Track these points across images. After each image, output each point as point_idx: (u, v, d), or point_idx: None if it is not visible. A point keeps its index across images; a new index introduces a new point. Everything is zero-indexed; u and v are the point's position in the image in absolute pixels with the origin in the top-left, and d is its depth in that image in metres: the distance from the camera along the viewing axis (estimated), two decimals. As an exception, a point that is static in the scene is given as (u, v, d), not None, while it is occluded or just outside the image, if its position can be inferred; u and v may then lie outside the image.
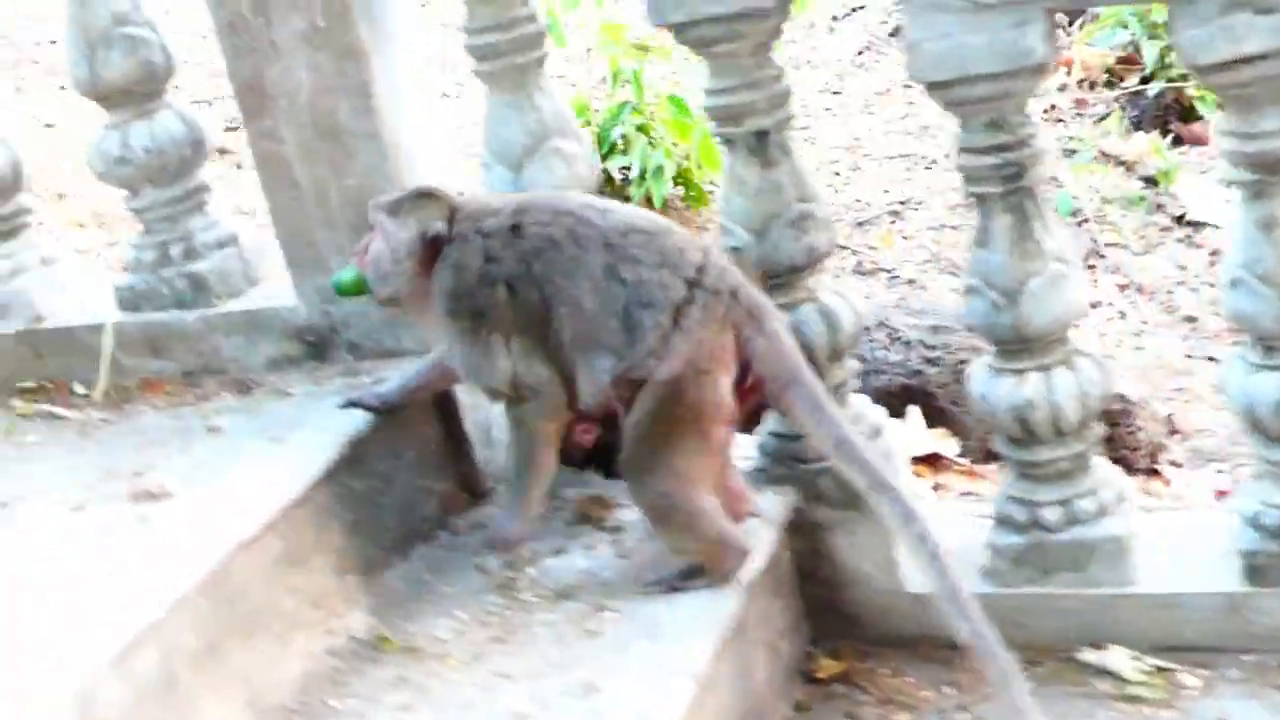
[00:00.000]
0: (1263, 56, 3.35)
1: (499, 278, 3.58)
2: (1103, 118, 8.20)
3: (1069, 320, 3.80)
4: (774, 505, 3.95)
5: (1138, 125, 8.30)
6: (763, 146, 3.86)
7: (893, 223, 7.67)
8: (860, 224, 7.69)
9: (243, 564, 3.40)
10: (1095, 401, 3.82)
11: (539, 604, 3.72)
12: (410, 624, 3.73)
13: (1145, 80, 8.47)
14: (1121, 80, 8.57)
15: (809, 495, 4.00)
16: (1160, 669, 3.79)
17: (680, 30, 3.78)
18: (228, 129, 8.23)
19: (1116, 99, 8.42)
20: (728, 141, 3.90)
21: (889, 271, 7.25)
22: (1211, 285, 6.89)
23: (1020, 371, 3.80)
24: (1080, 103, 8.43)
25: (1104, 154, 7.89)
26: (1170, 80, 8.28)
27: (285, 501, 3.57)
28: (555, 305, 3.57)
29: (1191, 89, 8.24)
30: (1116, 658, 3.83)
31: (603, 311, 3.53)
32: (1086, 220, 7.36)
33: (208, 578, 3.30)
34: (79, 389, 4.48)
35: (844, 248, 7.45)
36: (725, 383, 3.56)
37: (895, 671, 3.98)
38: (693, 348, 3.51)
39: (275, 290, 4.41)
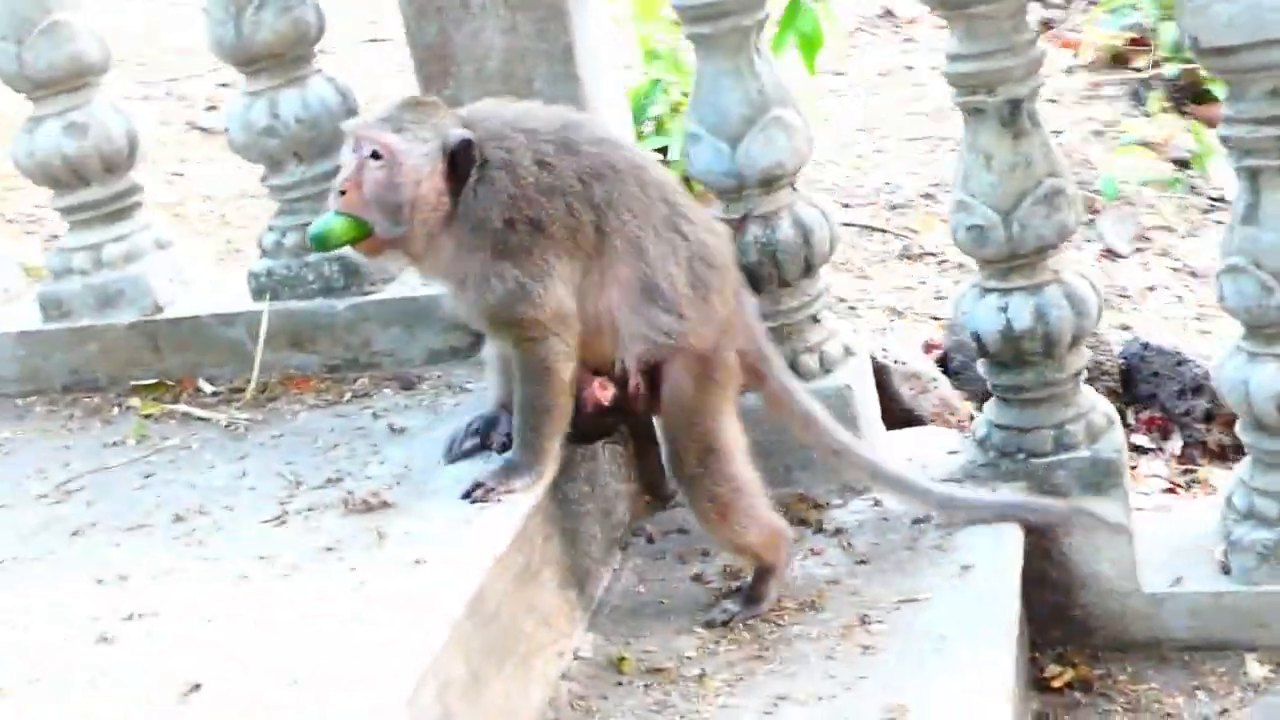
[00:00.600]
0: None
1: (559, 190, 3.16)
2: (1129, 99, 8.05)
3: (1331, 305, 3.57)
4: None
5: (1139, 103, 8.17)
6: (1016, 117, 3.58)
7: (927, 206, 7.42)
8: (894, 207, 7.43)
9: (494, 581, 3.04)
10: (1355, 386, 3.59)
11: (787, 616, 3.40)
12: (641, 641, 3.40)
13: (1154, 63, 8.33)
14: (1129, 63, 8.42)
15: (1041, 490, 3.72)
16: None
17: (939, -12, 3.47)
18: (209, 108, 7.75)
19: (1124, 81, 8.27)
20: (975, 112, 3.60)
21: (935, 255, 7.00)
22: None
23: (1280, 357, 3.55)
24: (1095, 85, 8.27)
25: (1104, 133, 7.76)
26: (1186, 62, 8.15)
27: (526, 508, 3.21)
28: (611, 239, 3.21)
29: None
30: (1377, 659, 3.62)
31: (664, 261, 3.23)
32: (1132, 204, 7.19)
33: (473, 599, 2.92)
34: (207, 386, 4.03)
35: (883, 230, 7.19)
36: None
37: (1135, 678, 3.74)
38: (729, 315, 3.35)
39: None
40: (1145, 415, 5.35)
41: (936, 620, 3.29)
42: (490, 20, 3.63)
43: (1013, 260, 3.66)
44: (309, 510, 3.30)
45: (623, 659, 3.32)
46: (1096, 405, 3.80)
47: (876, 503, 3.77)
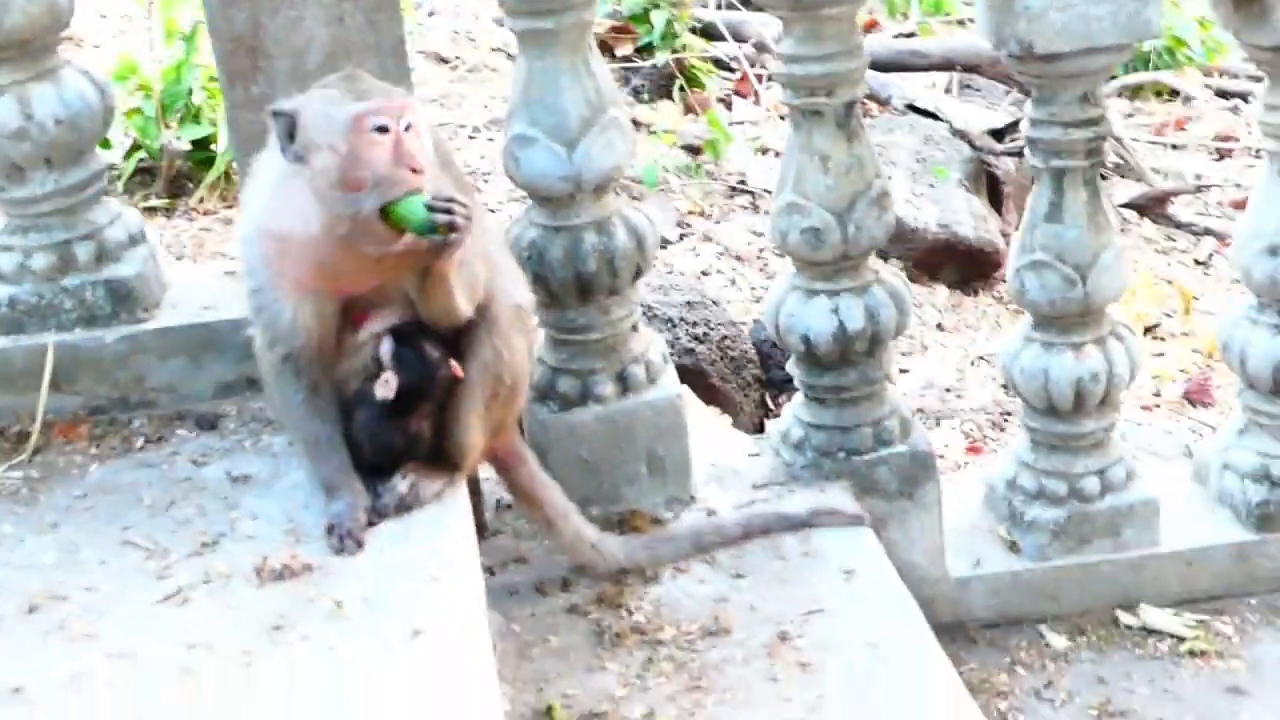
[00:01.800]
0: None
1: None
2: (620, 87, 8.25)
3: (1123, 293, 3.86)
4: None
5: (639, 94, 8.43)
6: (849, 118, 3.61)
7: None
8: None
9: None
10: (1134, 371, 3.90)
11: (699, 641, 3.29)
12: (554, 685, 3.18)
13: (637, 51, 8.61)
14: (613, 50, 8.64)
15: (862, 488, 3.79)
16: (1200, 622, 3.95)
17: (795, -12, 3.43)
18: None
19: (613, 70, 8.49)
20: (812, 114, 3.60)
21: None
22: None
23: (1078, 345, 3.80)
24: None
25: (635, 123, 7.95)
26: (675, 51, 8.47)
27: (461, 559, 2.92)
28: None
29: (695, 59, 8.48)
30: (1158, 617, 3.96)
31: None
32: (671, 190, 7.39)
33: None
34: (-70, 446, 3.36)
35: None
36: None
37: (955, 660, 3.88)
38: None
39: (216, 300, 3.53)
40: (783, 400, 5.54)
41: (854, 630, 3.29)
42: (312, 9, 3.23)
43: (843, 262, 3.68)
44: (205, 583, 2.84)
45: (550, 708, 3.09)
46: (900, 401, 3.90)
47: (710, 511, 3.70)
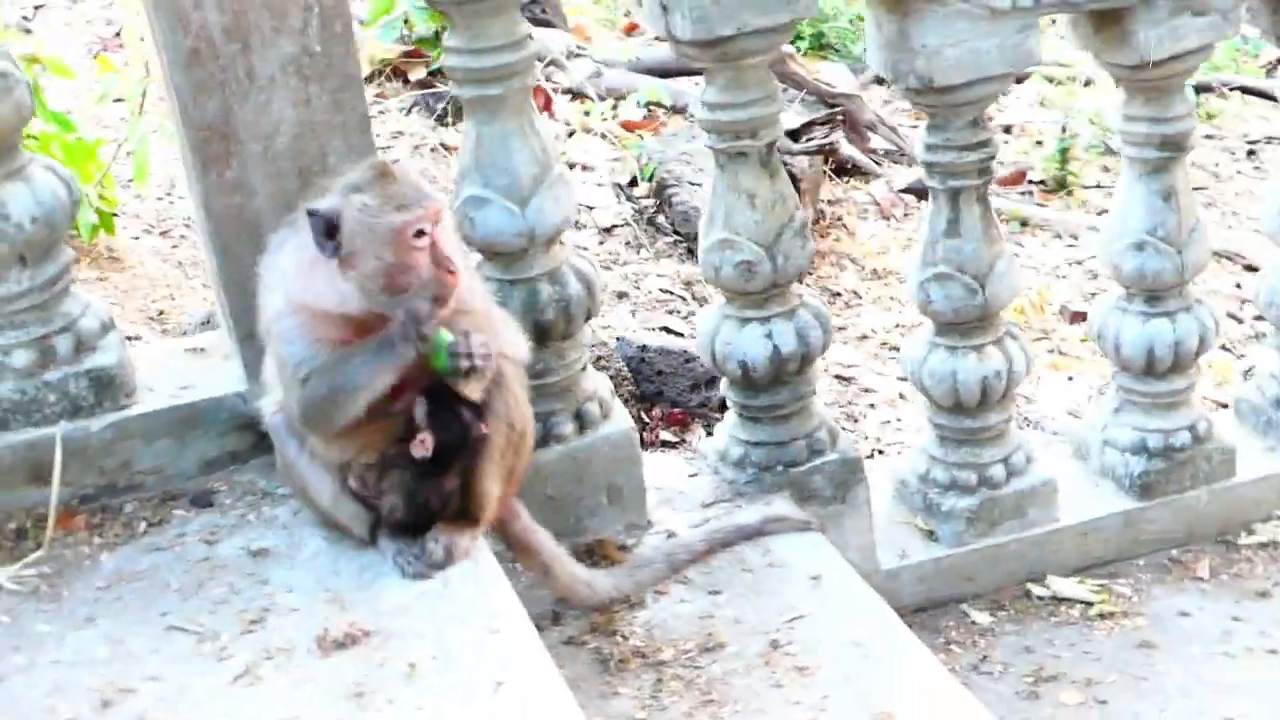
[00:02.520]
0: (1195, 51, 4.02)
1: None
2: (424, 111, 8.39)
3: (1016, 296, 4.24)
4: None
5: (440, 119, 8.58)
6: (770, 157, 3.90)
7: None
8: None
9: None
10: (1029, 366, 4.30)
11: (700, 658, 3.54)
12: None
13: (434, 74, 8.76)
14: (406, 75, 8.78)
15: (801, 496, 4.10)
16: (1101, 586, 4.38)
17: (722, 43, 3.70)
18: None
19: (414, 94, 8.63)
20: (738, 156, 3.87)
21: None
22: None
23: (980, 347, 4.18)
24: (381, 96, 8.54)
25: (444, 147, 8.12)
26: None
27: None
28: None
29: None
30: (1064, 585, 4.37)
31: None
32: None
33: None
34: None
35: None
36: None
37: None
38: None
39: (192, 378, 3.64)
40: (658, 413, 5.82)
41: (836, 631, 3.58)
42: (280, 92, 3.37)
43: (773, 290, 3.97)
44: (268, 659, 2.98)
45: (577, 735, 3.30)
46: (826, 413, 4.22)
47: (670, 534, 3.95)
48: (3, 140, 3.34)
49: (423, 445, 3.13)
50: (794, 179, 8.46)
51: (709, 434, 5.60)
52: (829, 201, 8.88)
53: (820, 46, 11.72)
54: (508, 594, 3.11)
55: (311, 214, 2.98)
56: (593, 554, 3.85)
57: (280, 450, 3.26)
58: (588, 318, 3.84)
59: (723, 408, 5.69)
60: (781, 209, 3.91)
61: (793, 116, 8.71)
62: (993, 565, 4.32)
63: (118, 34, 8.98)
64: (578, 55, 9.35)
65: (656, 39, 9.15)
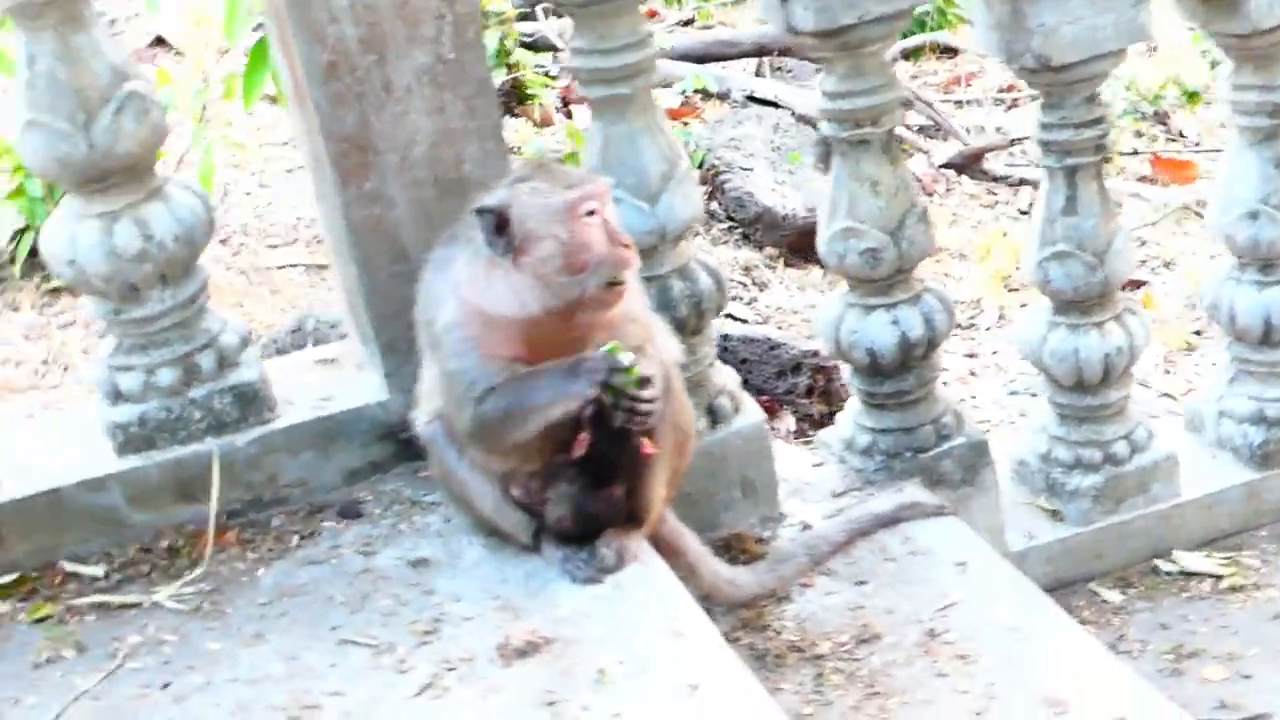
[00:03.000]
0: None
1: None
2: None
3: (1132, 271, 4.24)
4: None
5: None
6: (891, 145, 3.89)
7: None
8: (320, 241, 7.33)
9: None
10: (1147, 340, 4.29)
11: (858, 650, 3.54)
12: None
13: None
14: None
15: (931, 481, 4.09)
16: (1228, 559, 4.38)
17: (844, 31, 3.69)
18: None
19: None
20: (860, 144, 3.86)
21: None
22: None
23: (1100, 324, 4.17)
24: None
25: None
26: (510, 69, 8.64)
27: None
28: None
29: (527, 76, 8.66)
30: (1191, 560, 4.37)
31: None
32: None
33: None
34: (85, 570, 3.39)
35: (325, 268, 7.09)
36: None
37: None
38: None
39: (329, 390, 3.63)
40: (749, 400, 5.81)
41: (991, 616, 3.56)
42: (416, 102, 3.35)
43: (897, 276, 3.96)
44: (451, 670, 2.97)
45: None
46: (951, 397, 4.21)
47: (805, 525, 3.94)
48: (142, 161, 3.32)
49: (580, 444, 3.11)
50: (842, 161, 8.51)
51: (798, 420, 5.62)
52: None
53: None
54: (684, 595, 3.11)
55: (481, 211, 2.97)
56: (730, 549, 3.85)
57: (438, 459, 3.25)
58: (717, 312, 3.83)
59: (809, 394, 5.74)
60: (904, 195, 3.90)
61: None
62: (1120, 543, 4.32)
63: (155, 43, 8.98)
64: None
65: (761, 25, 9.11)
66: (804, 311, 7.17)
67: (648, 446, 3.13)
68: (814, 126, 8.43)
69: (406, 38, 3.30)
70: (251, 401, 3.46)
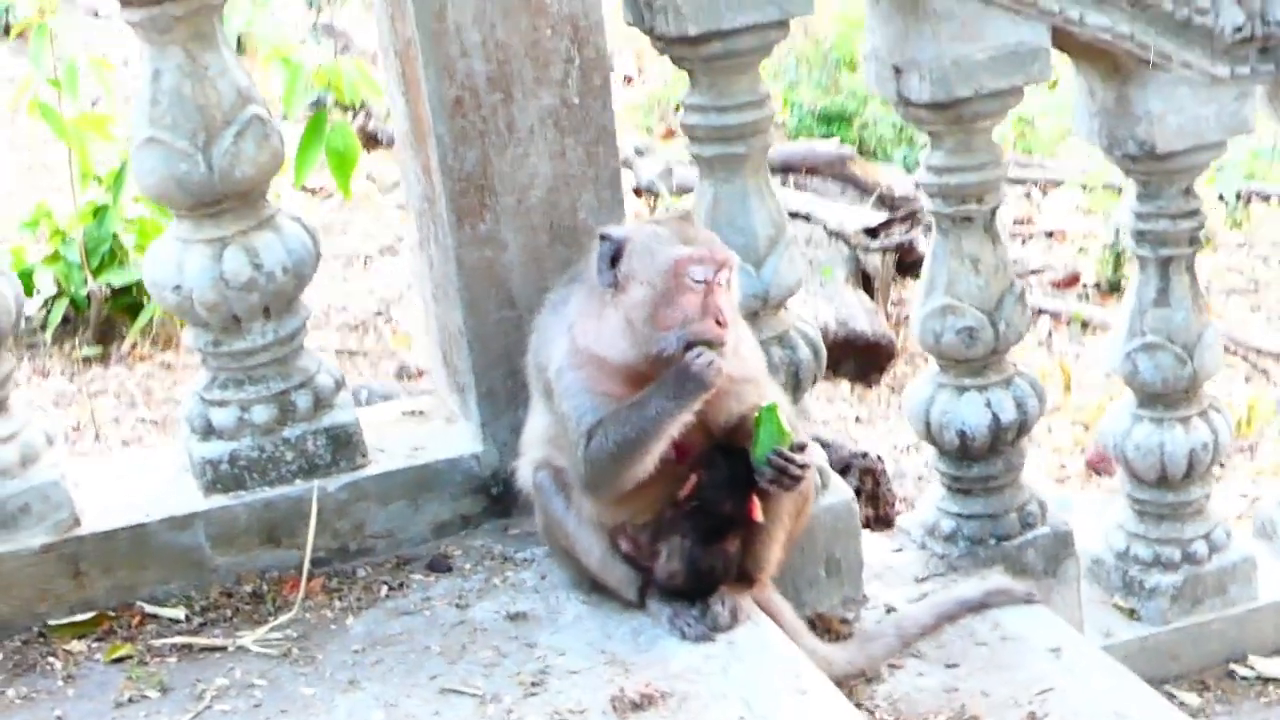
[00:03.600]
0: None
1: None
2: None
3: (1220, 368, 4.18)
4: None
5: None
6: (993, 224, 3.84)
7: (387, 323, 7.33)
8: (353, 328, 7.26)
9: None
10: (1231, 439, 4.23)
11: (950, 735, 3.42)
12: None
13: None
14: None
15: (1014, 570, 3.99)
16: (1305, 666, 4.28)
17: (958, 104, 3.66)
18: None
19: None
20: (963, 221, 3.82)
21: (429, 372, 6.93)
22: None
23: (1186, 419, 4.11)
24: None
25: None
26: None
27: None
28: None
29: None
30: (1269, 665, 4.26)
31: None
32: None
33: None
34: (165, 612, 3.25)
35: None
36: None
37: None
38: None
39: (420, 440, 3.53)
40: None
41: (1093, 702, 3.44)
42: (537, 145, 3.30)
43: (992, 357, 3.90)
44: (560, 722, 2.83)
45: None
46: (1034, 485, 4.13)
47: (890, 608, 3.83)
48: (257, 188, 3.25)
49: (689, 485, 3.01)
50: (866, 277, 8.52)
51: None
52: (894, 303, 8.87)
53: (860, 151, 11.79)
54: (800, 655, 2.99)
55: (604, 237, 2.90)
56: (814, 628, 3.71)
57: (545, 509, 3.14)
58: (813, 382, 3.74)
59: (858, 495, 5.63)
60: (1004, 274, 3.85)
61: (868, 214, 8.72)
62: (1197, 644, 4.21)
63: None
64: (644, 153, 9.34)
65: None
66: (834, 422, 7.09)
67: (756, 512, 3.03)
68: (846, 242, 8.45)
69: (534, 78, 3.24)
70: (345, 445, 3.36)
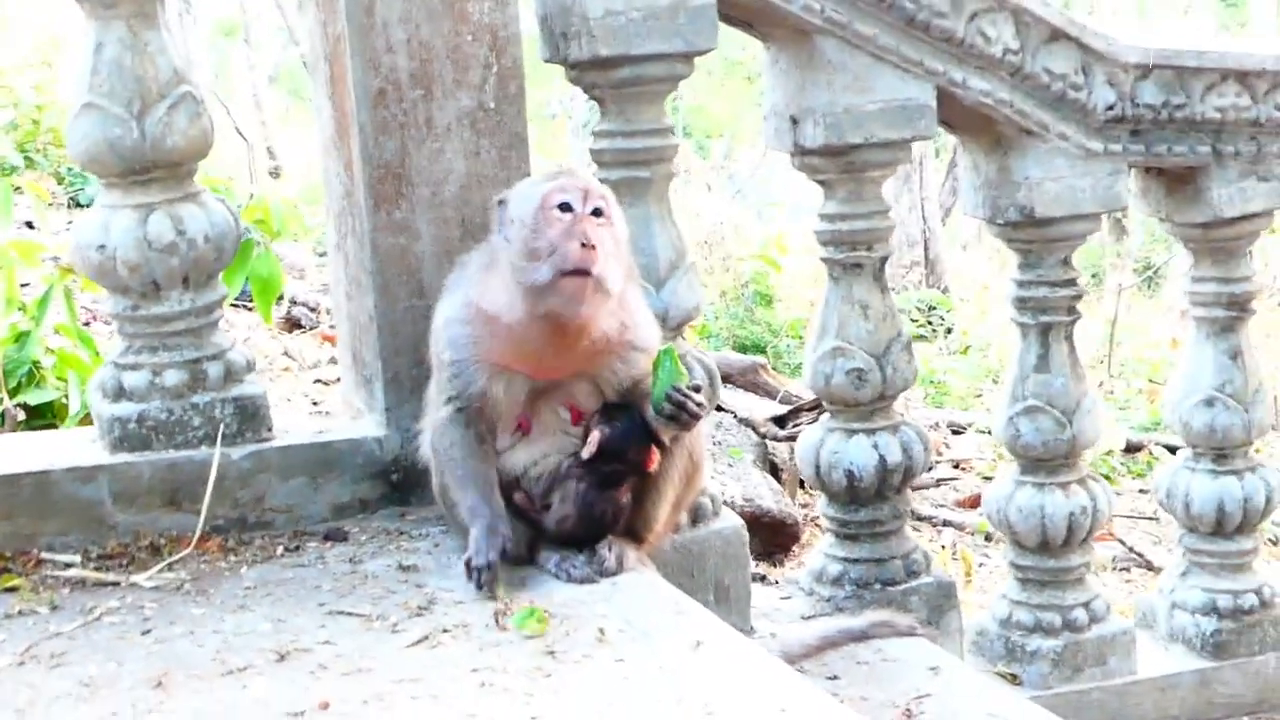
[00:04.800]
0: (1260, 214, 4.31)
1: None
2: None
3: (1099, 437, 4.38)
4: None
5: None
6: (881, 273, 4.07)
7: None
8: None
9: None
10: (1110, 509, 4.40)
11: None
12: None
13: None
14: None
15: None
16: (1179, 742, 4.36)
17: (850, 151, 3.92)
18: None
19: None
20: (854, 267, 4.04)
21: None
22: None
23: (1066, 484, 4.28)
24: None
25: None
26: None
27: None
28: None
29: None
30: (1146, 739, 4.34)
31: None
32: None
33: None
34: (60, 558, 3.30)
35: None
36: None
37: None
38: None
39: (326, 422, 3.65)
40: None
41: (968, 704, 3.54)
42: (454, 142, 3.51)
43: (879, 402, 4.08)
44: (445, 632, 2.90)
45: None
46: (915, 537, 4.26)
47: (773, 635, 3.92)
48: (186, 162, 3.43)
49: (591, 445, 3.13)
50: (775, 469, 8.69)
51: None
52: (802, 505, 9.02)
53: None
54: (681, 594, 3.08)
55: (500, 202, 3.11)
56: (701, 649, 3.79)
57: (437, 468, 3.24)
58: (711, 403, 3.88)
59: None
60: (891, 322, 4.06)
61: (774, 405, 8.96)
62: (1077, 713, 4.28)
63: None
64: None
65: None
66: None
67: (653, 462, 3.16)
68: (755, 430, 8.66)
69: (454, 80, 3.47)
70: (252, 417, 3.47)
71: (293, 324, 9.55)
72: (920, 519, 9.44)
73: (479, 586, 3.01)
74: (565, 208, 3.02)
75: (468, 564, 3.03)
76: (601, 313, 3.05)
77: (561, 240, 2.98)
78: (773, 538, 7.99)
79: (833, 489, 4.11)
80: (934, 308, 14.16)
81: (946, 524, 9.45)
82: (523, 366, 3.12)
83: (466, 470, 3.14)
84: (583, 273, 2.96)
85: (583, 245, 2.97)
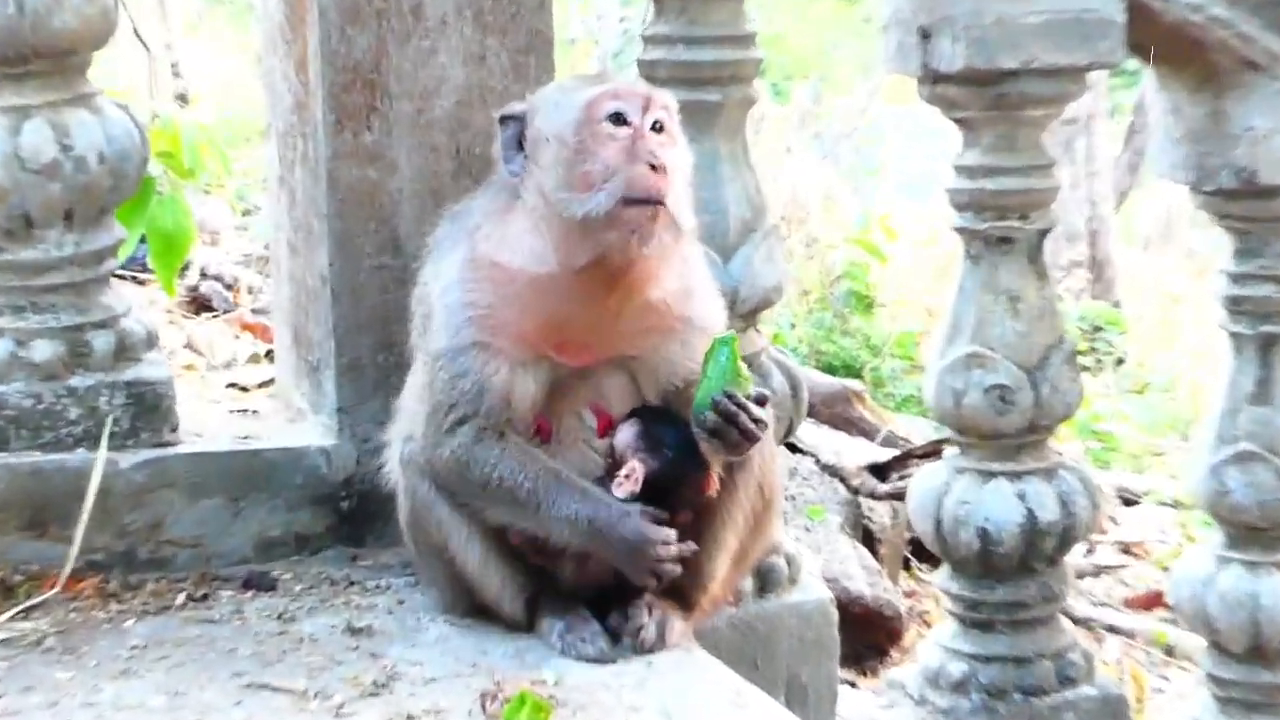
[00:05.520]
0: None
1: None
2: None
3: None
4: None
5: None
6: (1040, 254, 4.06)
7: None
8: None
9: None
10: None
11: None
12: None
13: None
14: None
15: None
16: None
17: (1000, 79, 3.91)
18: None
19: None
20: (1000, 241, 4.02)
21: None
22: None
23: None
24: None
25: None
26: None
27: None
28: None
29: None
30: None
31: None
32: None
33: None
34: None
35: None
36: None
37: None
38: None
39: (253, 429, 3.68)
40: None
41: None
42: (450, 40, 3.52)
43: (1029, 434, 4.06)
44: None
45: None
46: (1074, 629, 4.25)
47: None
48: (78, 51, 3.45)
49: (630, 481, 3.13)
50: (869, 537, 8.68)
51: None
52: (906, 594, 9.00)
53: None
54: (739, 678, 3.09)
55: (504, 119, 3.13)
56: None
57: (411, 491, 3.24)
58: (791, 427, 3.89)
59: None
60: (1051, 323, 4.05)
61: (874, 449, 8.93)
62: None
63: None
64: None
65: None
66: None
67: (711, 482, 3.16)
68: (844, 482, 8.64)
69: (454, -40, 3.49)
70: (152, 411, 3.50)
71: (200, 305, 9.61)
72: (1075, 621, 9.43)
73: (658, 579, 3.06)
74: (619, 119, 3.04)
75: (650, 556, 3.03)
76: (665, 265, 3.07)
77: (622, 161, 3.01)
78: (864, 633, 7.97)
79: (958, 555, 4.09)
80: (1100, 328, 14.12)
81: (1112, 629, 9.43)
82: (548, 343, 3.14)
83: (540, 471, 3.11)
84: (654, 201, 2.98)
85: (651, 167, 2.99)
